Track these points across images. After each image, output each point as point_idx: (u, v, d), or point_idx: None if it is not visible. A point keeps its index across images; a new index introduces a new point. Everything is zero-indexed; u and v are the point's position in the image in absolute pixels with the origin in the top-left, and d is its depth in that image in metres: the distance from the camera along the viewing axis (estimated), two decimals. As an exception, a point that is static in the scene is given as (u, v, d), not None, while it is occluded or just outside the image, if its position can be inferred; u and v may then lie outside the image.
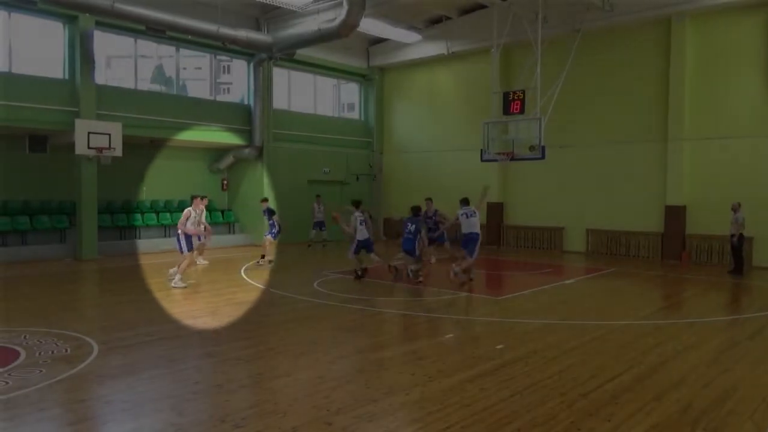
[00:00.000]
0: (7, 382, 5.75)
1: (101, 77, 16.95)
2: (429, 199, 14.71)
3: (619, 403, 5.37)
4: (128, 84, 17.94)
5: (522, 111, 14.74)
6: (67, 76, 16.05)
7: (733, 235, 13.86)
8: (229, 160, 20.51)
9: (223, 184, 21.25)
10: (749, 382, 6.06)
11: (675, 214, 16.48)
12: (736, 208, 13.84)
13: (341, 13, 15.30)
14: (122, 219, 18.07)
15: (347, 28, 15.48)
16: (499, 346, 7.30)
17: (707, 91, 16.11)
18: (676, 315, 9.72)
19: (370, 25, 18.35)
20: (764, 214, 14.84)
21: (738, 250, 13.97)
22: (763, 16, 15.14)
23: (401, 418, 5.01)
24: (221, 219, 20.34)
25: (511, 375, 6.13)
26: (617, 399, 5.47)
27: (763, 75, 15.21)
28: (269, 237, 14.97)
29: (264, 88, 19.91)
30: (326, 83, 23.36)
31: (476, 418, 4.96)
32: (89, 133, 15.16)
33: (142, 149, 18.41)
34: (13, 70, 15.14)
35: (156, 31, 15.85)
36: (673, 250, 16.51)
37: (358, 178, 23.01)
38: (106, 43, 17.15)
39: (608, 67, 17.74)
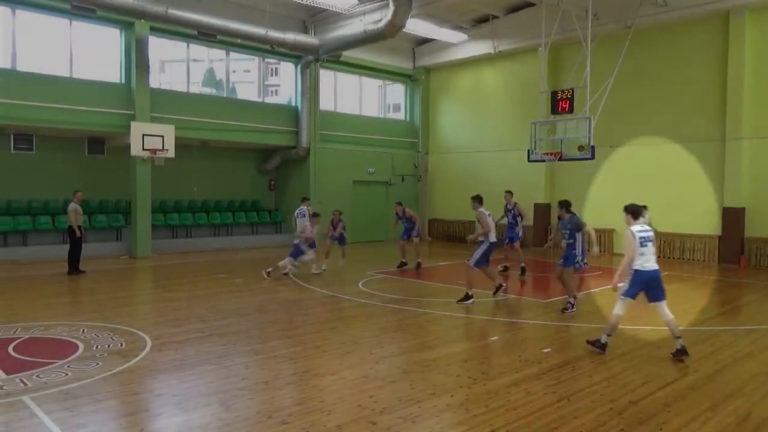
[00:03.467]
0: (66, 374, 6.02)
1: (155, 81, 17.54)
2: (509, 192, 13.92)
3: (671, 411, 5.19)
4: (180, 87, 18.52)
5: (571, 110, 14.45)
6: (123, 81, 16.67)
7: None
8: (276, 160, 20.87)
9: (270, 185, 21.64)
10: (813, 393, 5.76)
11: (733, 217, 15.79)
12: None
13: (387, 14, 15.35)
14: (174, 218, 18.62)
15: (393, 28, 15.51)
16: (545, 350, 7.17)
17: (768, 87, 15.41)
18: (733, 321, 9.32)
19: (416, 26, 18.33)
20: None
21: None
22: (831, 8, 14.38)
23: (445, 420, 4.98)
24: (268, 219, 20.71)
25: (558, 379, 6.01)
26: (670, 407, 5.29)
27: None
28: (416, 239, 14.58)
29: (311, 89, 20.17)
30: (372, 84, 23.47)
31: (522, 423, 4.88)
32: (144, 135, 15.71)
33: (193, 150, 18.95)
34: (75, 76, 15.84)
35: (207, 36, 16.29)
36: (730, 253, 15.83)
37: (403, 179, 23.02)
38: (159, 48, 17.74)
39: (662, 65, 17.17)
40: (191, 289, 11.46)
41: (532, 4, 17.72)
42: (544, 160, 15.51)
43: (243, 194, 20.86)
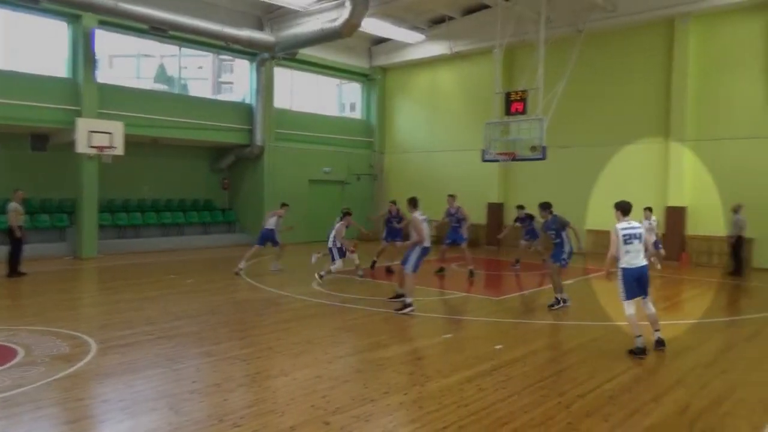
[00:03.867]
0: (5, 381, 5.76)
1: (104, 76, 16.97)
2: (452, 196, 13.86)
3: (617, 403, 5.37)
4: (130, 83, 17.97)
5: (524, 111, 14.71)
6: (69, 75, 16.07)
7: (731, 237, 13.93)
8: (230, 159, 20.53)
9: (223, 184, 21.27)
10: (747, 383, 6.06)
11: (676, 215, 16.45)
12: (737, 210, 13.88)
13: (344, 13, 15.30)
14: (122, 218, 18.08)
15: (350, 27, 15.47)
16: (497, 347, 7.29)
17: (709, 92, 16.09)
18: (674, 316, 9.69)
19: (372, 25, 18.34)
20: (765, 216, 14.81)
21: (737, 251, 13.98)
22: (767, 18, 15.13)
23: (399, 418, 5.01)
24: (221, 218, 20.36)
25: (509, 375, 6.13)
26: (615, 400, 5.46)
27: (765, 76, 15.19)
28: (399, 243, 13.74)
29: (266, 87, 19.90)
30: (328, 83, 23.37)
31: (473, 419, 4.95)
32: (90, 131, 15.12)
33: (144, 148, 18.42)
34: (16, 69, 15.17)
35: (159, 31, 15.85)
36: (672, 251, 16.46)
37: (359, 178, 23.01)
38: (108, 42, 17.17)
39: (611, 68, 17.72)
40: (139, 291, 11.12)
41: (487, 7, 17.99)
42: (497, 160, 15.75)
43: (195, 193, 20.43)
